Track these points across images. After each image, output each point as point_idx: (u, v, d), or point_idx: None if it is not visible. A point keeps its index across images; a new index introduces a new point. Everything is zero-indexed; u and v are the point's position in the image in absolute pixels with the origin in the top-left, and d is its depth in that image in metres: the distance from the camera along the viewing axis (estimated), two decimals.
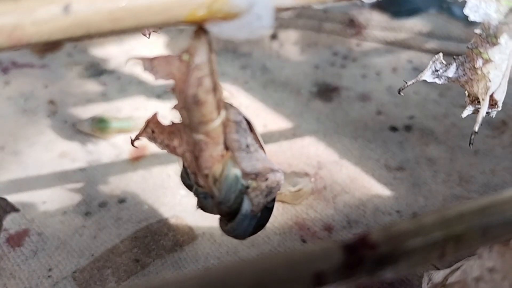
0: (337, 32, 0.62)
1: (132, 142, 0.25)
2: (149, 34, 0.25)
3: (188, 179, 0.25)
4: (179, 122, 0.23)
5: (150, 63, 0.21)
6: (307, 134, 0.50)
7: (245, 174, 0.24)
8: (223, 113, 0.22)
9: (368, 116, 0.52)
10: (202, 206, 0.26)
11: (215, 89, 0.21)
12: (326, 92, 0.55)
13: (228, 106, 0.23)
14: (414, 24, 0.62)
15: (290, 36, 0.62)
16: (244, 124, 0.24)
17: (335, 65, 0.58)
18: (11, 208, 0.26)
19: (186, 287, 0.14)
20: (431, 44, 0.60)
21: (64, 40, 0.17)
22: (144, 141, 0.49)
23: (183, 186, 0.44)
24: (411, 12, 0.64)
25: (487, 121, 0.51)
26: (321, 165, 0.47)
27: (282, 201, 0.43)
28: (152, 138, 0.24)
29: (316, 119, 0.52)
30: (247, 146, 0.23)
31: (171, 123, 0.24)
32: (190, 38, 0.20)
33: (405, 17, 0.63)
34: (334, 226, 0.42)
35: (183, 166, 0.25)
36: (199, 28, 0.20)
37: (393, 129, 0.51)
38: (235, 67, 0.58)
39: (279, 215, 0.43)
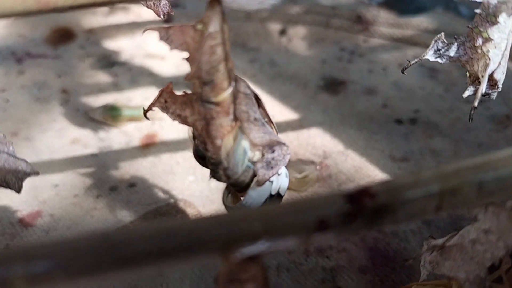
0: (345, 28, 0.63)
1: (145, 112, 0.26)
2: (164, 15, 0.26)
3: (200, 151, 0.26)
4: (191, 92, 0.24)
5: (166, 33, 0.22)
6: (313, 125, 0.51)
7: (253, 145, 0.25)
8: (233, 84, 0.23)
9: (373, 109, 0.53)
10: (214, 175, 0.27)
11: (227, 59, 0.22)
12: (333, 85, 0.56)
13: (238, 78, 0.24)
14: (420, 22, 0.63)
15: (298, 32, 0.63)
16: (253, 98, 0.25)
17: (342, 60, 0.60)
18: (31, 169, 0.27)
19: (199, 226, 0.15)
20: None
21: (88, 6, 0.18)
22: (154, 129, 0.50)
23: (193, 171, 0.46)
24: (418, 10, 0.65)
25: (492, 116, 0.52)
26: (326, 154, 0.48)
27: (288, 188, 0.44)
28: (165, 108, 0.26)
29: (323, 111, 0.53)
30: (255, 119, 0.25)
31: (184, 93, 0.25)
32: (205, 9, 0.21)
33: (412, 14, 0.64)
34: None
35: (194, 138, 0.26)
36: None
37: (398, 121, 0.52)
38: (244, 61, 0.59)
39: (285, 201, 0.44)
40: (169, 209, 0.43)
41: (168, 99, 0.25)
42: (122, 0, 0.18)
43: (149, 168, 0.47)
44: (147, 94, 0.55)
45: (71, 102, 0.54)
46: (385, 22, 0.63)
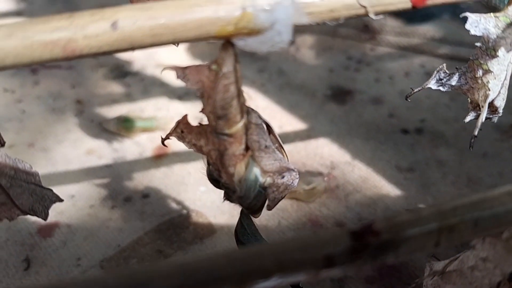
0: (352, 37, 0.64)
1: (163, 141, 0.28)
2: (178, 43, 0.27)
3: (214, 175, 0.28)
4: (206, 124, 0.26)
5: (182, 72, 0.23)
6: (321, 135, 0.53)
7: (264, 172, 0.27)
8: (245, 116, 0.25)
9: (380, 118, 0.54)
10: (228, 198, 0.28)
11: (239, 95, 0.24)
12: (340, 95, 0.57)
13: (250, 110, 0.26)
14: (427, 30, 0.64)
15: (306, 41, 0.64)
16: (264, 127, 0.26)
17: (349, 69, 0.61)
18: (56, 198, 0.28)
19: (212, 264, 0.16)
20: (444, 50, 0.62)
21: (111, 52, 0.20)
22: (166, 140, 0.52)
23: (204, 182, 0.47)
24: (425, 18, 0.66)
25: (496, 125, 0.53)
26: (334, 165, 0.49)
27: (297, 199, 0.46)
28: (181, 138, 0.27)
29: (330, 121, 0.54)
30: (266, 147, 0.26)
31: (199, 124, 0.26)
32: (218, 50, 0.23)
33: (418, 23, 0.65)
34: (346, 223, 0.44)
35: (208, 163, 0.28)
36: (227, 42, 0.22)
37: (405, 131, 0.53)
38: (253, 71, 0.61)
39: (294, 212, 0.45)
40: (182, 220, 0.44)
41: (184, 130, 0.27)
42: (141, 45, 0.20)
43: (162, 179, 0.49)
44: (159, 105, 0.57)
45: (85, 112, 0.56)
46: (391, 30, 0.64)
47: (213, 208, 0.46)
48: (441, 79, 0.29)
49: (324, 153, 0.51)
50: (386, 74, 0.60)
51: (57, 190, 0.48)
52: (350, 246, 0.17)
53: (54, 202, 0.28)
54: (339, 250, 0.17)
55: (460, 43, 0.63)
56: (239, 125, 0.24)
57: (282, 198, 0.28)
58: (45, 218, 0.27)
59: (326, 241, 0.17)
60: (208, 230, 0.44)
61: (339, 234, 0.17)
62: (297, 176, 0.28)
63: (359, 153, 0.51)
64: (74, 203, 0.47)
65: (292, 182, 0.27)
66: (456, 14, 0.66)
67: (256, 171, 0.26)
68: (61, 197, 0.48)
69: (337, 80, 0.59)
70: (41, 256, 0.43)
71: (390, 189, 0.47)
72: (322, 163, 0.50)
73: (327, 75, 0.60)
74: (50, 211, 0.46)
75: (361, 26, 0.65)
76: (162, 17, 0.20)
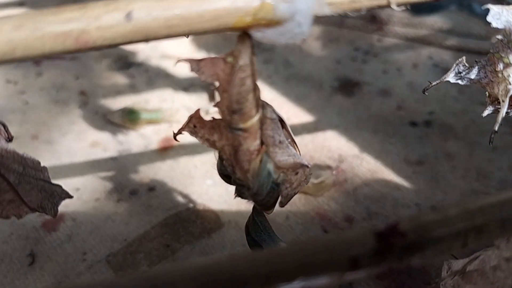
0: (359, 27, 0.63)
1: (175, 136, 0.27)
2: (188, 35, 0.27)
3: (226, 170, 0.27)
4: (219, 118, 0.25)
5: (197, 65, 0.22)
6: (328, 128, 0.52)
7: (277, 168, 0.26)
8: (260, 111, 0.24)
9: (388, 111, 0.54)
10: (240, 195, 0.28)
11: (255, 88, 0.23)
12: (347, 87, 0.57)
13: (265, 105, 0.25)
14: (434, 21, 0.63)
15: (312, 32, 0.63)
16: (278, 122, 0.25)
17: (357, 60, 0.60)
18: (66, 194, 0.28)
19: (233, 266, 0.16)
20: (451, 41, 0.61)
21: (125, 44, 0.19)
22: (171, 132, 0.51)
23: (211, 175, 0.46)
24: (432, 9, 0.65)
25: (506, 119, 0.52)
26: (342, 158, 0.49)
27: (305, 193, 0.45)
28: (194, 132, 0.26)
29: (338, 113, 0.54)
30: (280, 142, 0.25)
31: (212, 119, 0.26)
32: (235, 43, 0.22)
33: (426, 14, 0.64)
34: (355, 217, 0.44)
35: (220, 158, 0.27)
36: (244, 33, 0.21)
37: (413, 124, 0.52)
38: (259, 62, 0.60)
39: (302, 206, 0.45)
40: (188, 214, 0.44)
41: (197, 124, 0.26)
42: (155, 37, 0.19)
43: (168, 172, 0.48)
44: (164, 96, 0.56)
45: (89, 104, 0.55)
46: (399, 21, 0.63)
47: (220, 201, 0.45)
48: (460, 72, 0.28)
49: (332, 146, 0.50)
50: (394, 65, 0.59)
51: (62, 183, 0.48)
52: (376, 247, 0.16)
53: (64, 198, 0.28)
54: (364, 252, 0.16)
55: (468, 34, 0.62)
56: (254, 120, 0.24)
57: (295, 194, 0.27)
58: (54, 216, 0.27)
59: (350, 242, 0.16)
60: (216, 224, 0.43)
61: (364, 234, 0.16)
62: (310, 172, 0.27)
63: (368, 146, 0.50)
64: (79, 196, 0.46)
65: (305, 178, 0.27)
66: (463, 5, 0.65)
67: (269, 167, 0.25)
68: (66, 190, 0.47)
69: (344, 71, 0.58)
70: (46, 250, 0.42)
71: (399, 183, 0.47)
72: (330, 156, 0.49)
73: (334, 67, 0.59)
74: None
75: (368, 17, 0.64)
76: (178, 8, 0.19)
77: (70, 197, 0.28)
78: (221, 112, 0.24)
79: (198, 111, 0.26)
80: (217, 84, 0.23)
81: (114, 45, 0.19)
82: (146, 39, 0.19)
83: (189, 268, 0.15)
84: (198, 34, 0.20)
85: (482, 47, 0.57)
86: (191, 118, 0.26)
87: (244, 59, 0.22)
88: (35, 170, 0.26)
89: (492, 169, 0.48)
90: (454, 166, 0.48)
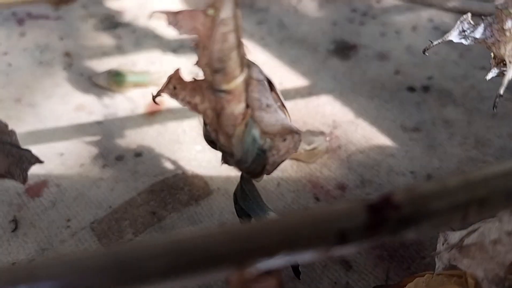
0: None
1: (154, 98, 0.25)
2: None
3: (210, 136, 0.25)
4: (202, 79, 0.23)
5: (174, 18, 0.20)
6: (323, 92, 0.50)
7: (264, 133, 0.24)
8: (245, 71, 0.22)
9: (386, 75, 0.52)
10: (226, 162, 0.26)
11: (239, 45, 0.21)
12: (343, 50, 0.54)
13: (250, 64, 0.23)
14: None
15: None
16: (266, 84, 0.24)
17: (354, 22, 0.57)
18: (35, 159, 0.26)
19: (210, 241, 0.14)
20: (453, 2, 0.58)
21: None
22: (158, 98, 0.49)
23: (200, 140, 0.45)
24: None
25: (508, 85, 0.51)
26: (336, 124, 0.47)
27: (297, 159, 0.44)
28: (174, 95, 0.24)
29: (333, 78, 0.51)
30: (268, 105, 0.23)
31: (193, 79, 0.24)
32: None
33: None
34: (348, 185, 0.42)
35: (204, 123, 0.25)
36: None
37: (411, 89, 0.50)
38: (252, 23, 0.57)
39: (293, 173, 0.43)
40: (176, 180, 0.42)
41: (177, 86, 0.24)
42: None
43: (155, 137, 0.46)
44: (152, 58, 0.54)
45: (74, 66, 0.53)
46: None
47: (209, 168, 0.43)
48: (464, 31, 0.26)
49: (326, 111, 0.48)
50: (393, 28, 0.57)
51: (45, 147, 0.46)
52: (367, 220, 0.15)
53: (33, 163, 0.26)
54: (353, 225, 0.15)
55: None
56: (239, 81, 0.22)
57: (283, 161, 0.26)
58: (23, 182, 0.25)
59: (339, 214, 0.15)
60: (204, 191, 0.42)
61: (354, 207, 0.15)
62: (300, 139, 0.25)
63: (363, 112, 0.48)
64: (63, 161, 0.44)
65: (294, 145, 0.25)
66: None
67: (255, 132, 0.24)
68: (50, 155, 0.46)
69: (340, 33, 0.56)
70: (29, 217, 0.41)
71: (394, 150, 0.45)
72: (324, 122, 0.47)
73: (330, 29, 0.57)
74: (38, 170, 0.44)
75: None
76: None
77: (40, 162, 0.26)
78: (203, 71, 0.22)
79: (177, 71, 0.24)
80: (197, 40, 0.21)
81: None
82: None
83: (158, 244, 0.14)
84: None
85: (486, 9, 0.55)
86: (170, 79, 0.24)
87: (226, 12, 0.20)
88: (2, 134, 0.24)
89: (491, 137, 0.46)
90: (452, 133, 0.46)
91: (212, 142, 0.26)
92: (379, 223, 0.15)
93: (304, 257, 0.15)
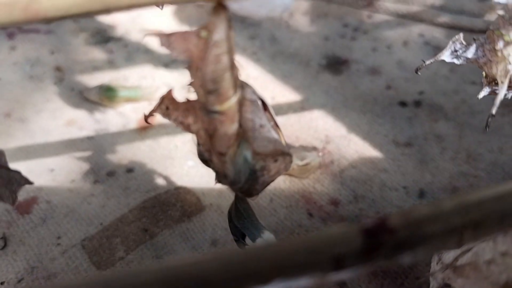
0: (348, 3, 0.61)
1: (146, 118, 0.25)
2: (162, 6, 0.24)
3: (204, 155, 0.25)
4: (195, 99, 0.23)
5: (167, 39, 0.20)
6: (315, 107, 0.50)
7: (256, 154, 0.24)
8: (239, 91, 0.22)
9: (377, 90, 0.52)
10: (220, 181, 0.26)
11: (232, 66, 0.21)
12: (335, 64, 0.55)
13: (244, 85, 0.23)
14: None
15: (300, 6, 0.61)
16: (259, 104, 0.23)
17: (346, 37, 0.58)
18: (25, 180, 0.26)
19: (202, 269, 0.14)
20: (444, 18, 0.59)
21: (82, 16, 0.17)
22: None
23: (192, 156, 0.45)
24: None
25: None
26: (329, 139, 0.47)
27: (290, 175, 0.43)
28: (167, 115, 0.24)
29: (325, 92, 0.52)
30: (261, 126, 0.23)
31: (186, 100, 0.24)
32: (209, 15, 0.20)
33: None
34: (341, 200, 0.42)
35: (198, 143, 0.25)
36: (218, 4, 0.19)
37: (403, 104, 0.50)
38: (244, 37, 0.57)
39: (286, 189, 0.43)
40: (168, 196, 0.42)
41: (170, 106, 0.24)
42: (117, 7, 0.17)
43: (147, 152, 0.46)
44: (144, 73, 0.53)
45: (65, 80, 0.53)
46: None
47: (201, 183, 0.43)
48: (456, 51, 0.26)
49: (318, 126, 0.48)
50: (384, 43, 0.57)
51: (35, 163, 0.46)
52: (362, 245, 0.15)
53: (23, 185, 0.25)
54: (349, 250, 0.15)
55: (461, 11, 0.60)
56: (232, 101, 0.22)
57: (272, 181, 0.25)
58: (12, 204, 0.25)
59: (334, 239, 0.15)
60: (196, 207, 0.41)
61: (349, 231, 0.15)
62: (291, 160, 0.25)
63: (355, 127, 0.48)
64: (53, 177, 0.44)
65: (284, 166, 0.25)
66: None
67: (246, 153, 0.23)
68: (40, 171, 0.45)
69: (332, 48, 0.56)
70: (18, 234, 0.40)
71: (387, 165, 0.45)
72: (316, 137, 0.47)
73: (322, 44, 0.57)
74: (27, 186, 0.43)
75: None
76: None
77: (30, 183, 0.26)
78: (196, 92, 0.22)
79: (170, 91, 0.24)
80: (190, 61, 0.20)
81: (70, 16, 0.17)
82: (107, 10, 0.17)
83: (149, 272, 0.13)
84: (166, 3, 0.18)
85: (475, 25, 0.55)
86: (163, 99, 0.24)
87: (219, 34, 0.19)
88: None
89: (482, 151, 0.46)
90: (444, 148, 0.46)
91: (206, 161, 0.26)
92: (374, 248, 0.15)
93: (299, 283, 0.15)
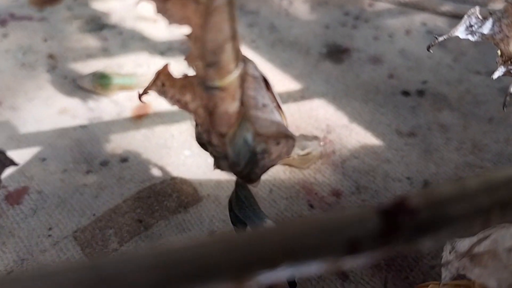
0: None
1: (140, 96, 0.23)
2: None
3: (202, 137, 0.24)
4: (193, 74, 0.21)
5: (163, 5, 0.19)
6: (316, 96, 0.49)
7: (258, 135, 0.23)
8: (241, 66, 0.21)
9: (379, 79, 0.50)
10: (218, 166, 0.24)
11: (234, 36, 0.19)
12: (336, 53, 0.53)
13: (246, 59, 0.21)
14: None
15: None
16: (262, 81, 0.22)
17: (346, 25, 0.56)
18: (10, 162, 0.24)
19: (202, 252, 0.13)
20: (446, 7, 0.58)
21: None
22: (147, 99, 0.47)
23: (189, 145, 0.43)
24: None
25: (502, 88, 0.50)
26: (330, 128, 0.46)
27: (290, 165, 0.42)
28: (162, 92, 0.23)
29: (326, 81, 0.50)
30: (264, 105, 0.22)
31: (184, 75, 0.22)
32: None
33: None
34: (343, 191, 0.41)
35: (196, 123, 0.23)
36: None
37: (405, 93, 0.49)
38: (242, 25, 0.56)
39: (287, 179, 0.42)
40: (164, 187, 0.40)
41: (166, 82, 0.22)
42: None
43: (142, 142, 0.44)
44: (139, 60, 0.52)
45: (58, 68, 0.51)
46: None
47: (198, 173, 0.42)
48: (471, 26, 0.24)
49: (319, 116, 0.47)
50: (386, 31, 0.55)
51: (27, 152, 0.44)
52: (380, 227, 0.13)
53: (7, 166, 0.24)
54: (365, 232, 0.13)
55: (464, 0, 0.59)
56: (233, 76, 0.20)
57: (273, 166, 0.24)
58: None
59: (349, 221, 0.13)
60: (193, 198, 0.40)
61: (365, 212, 0.13)
62: (294, 144, 0.24)
63: (357, 116, 0.47)
64: (45, 167, 0.42)
65: (286, 150, 0.23)
66: None
67: (247, 133, 0.22)
68: (31, 160, 0.43)
69: (333, 37, 0.55)
70: (8, 225, 0.38)
71: (389, 155, 0.44)
72: (317, 126, 0.46)
73: (323, 32, 0.55)
74: (18, 175, 0.42)
75: None
76: None
77: (15, 164, 0.24)
78: (194, 66, 0.20)
79: (166, 66, 0.22)
80: (188, 30, 0.19)
81: None
82: None
83: (145, 256, 0.12)
84: None
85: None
86: (158, 74, 0.22)
87: None
88: None
89: (488, 142, 0.45)
90: (448, 138, 0.45)
91: (204, 145, 0.24)
92: (393, 230, 0.13)
93: (310, 269, 0.13)
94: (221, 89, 0.20)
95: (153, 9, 0.18)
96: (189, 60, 0.20)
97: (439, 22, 0.57)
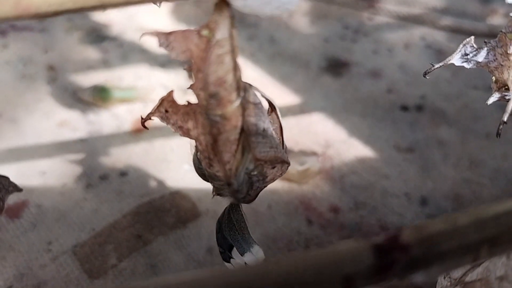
0: (349, 4, 0.60)
1: (143, 122, 0.24)
2: (160, 3, 0.23)
3: (202, 165, 0.24)
4: (195, 103, 0.22)
5: (166, 39, 0.19)
6: (315, 110, 0.49)
7: (256, 159, 0.23)
8: (242, 94, 0.21)
9: (378, 94, 0.51)
10: (219, 193, 0.25)
11: (235, 68, 0.20)
12: (335, 67, 0.54)
13: (247, 87, 0.22)
14: (428, 0, 0.60)
15: (299, 7, 0.60)
16: (263, 107, 0.22)
17: (346, 39, 0.57)
18: (14, 187, 0.24)
19: (207, 287, 0.13)
20: (445, 21, 0.58)
21: (76, 11, 0.15)
22: (146, 112, 0.48)
23: (188, 160, 0.43)
24: None
25: (500, 104, 0.50)
26: (328, 143, 0.46)
27: (288, 180, 0.42)
28: (165, 118, 0.23)
29: (325, 95, 0.50)
30: (264, 130, 0.22)
31: (187, 103, 0.22)
32: (211, 12, 0.18)
33: None
34: (341, 207, 0.41)
35: (196, 150, 0.24)
36: (221, 1, 0.18)
37: (404, 108, 0.49)
38: (242, 38, 0.56)
39: (285, 194, 0.42)
40: (163, 202, 0.41)
41: (169, 109, 0.22)
42: (113, 4, 0.16)
43: (142, 155, 0.45)
44: (140, 73, 0.52)
45: (58, 80, 0.51)
46: None
47: (197, 188, 0.42)
48: (466, 54, 0.25)
49: (318, 130, 0.47)
50: (385, 45, 0.56)
51: (26, 165, 0.44)
52: (374, 263, 0.14)
53: (11, 192, 0.24)
54: (360, 269, 0.13)
55: (463, 14, 0.59)
56: (235, 105, 0.20)
57: (265, 187, 0.24)
58: (0, 211, 0.23)
59: (343, 257, 0.13)
60: (192, 213, 0.40)
61: (359, 248, 0.14)
62: (287, 168, 0.24)
63: (356, 131, 0.47)
64: (45, 180, 0.43)
65: (280, 173, 0.24)
66: None
67: (250, 164, 0.22)
68: (31, 173, 0.44)
69: (332, 50, 0.55)
70: (8, 239, 0.39)
71: (388, 171, 0.44)
72: (316, 141, 0.46)
73: (322, 45, 0.56)
74: None
75: None
76: None
77: (19, 190, 0.25)
78: (197, 95, 0.21)
79: (171, 93, 0.23)
80: (190, 63, 0.19)
81: (63, 12, 0.16)
82: (102, 6, 0.16)
83: None
84: (165, 0, 0.17)
85: (478, 28, 0.54)
86: (162, 101, 0.22)
87: (222, 32, 0.18)
88: None
89: (485, 158, 0.45)
90: (446, 154, 0.45)
91: (203, 174, 0.25)
92: (387, 266, 0.14)
93: None
94: (223, 117, 0.20)
95: (157, 42, 0.19)
96: (193, 89, 0.21)
97: (438, 36, 0.57)
